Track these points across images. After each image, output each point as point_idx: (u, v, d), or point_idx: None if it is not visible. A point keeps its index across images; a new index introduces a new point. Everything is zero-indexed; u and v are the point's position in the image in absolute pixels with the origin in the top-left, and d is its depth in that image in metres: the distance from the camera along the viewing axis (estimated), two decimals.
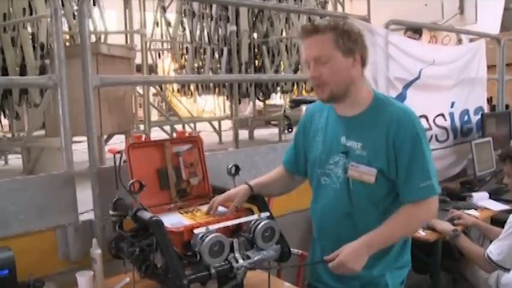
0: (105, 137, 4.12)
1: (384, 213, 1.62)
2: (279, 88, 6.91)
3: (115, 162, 1.81)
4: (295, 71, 6.47)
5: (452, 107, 3.61)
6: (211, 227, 1.55)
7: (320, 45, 1.56)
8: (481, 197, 3.14)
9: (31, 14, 3.98)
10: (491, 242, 2.52)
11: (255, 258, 1.59)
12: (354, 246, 1.56)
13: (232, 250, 1.55)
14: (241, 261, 1.55)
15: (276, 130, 6.79)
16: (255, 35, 6.74)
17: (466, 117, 3.75)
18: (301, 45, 1.65)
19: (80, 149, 2.65)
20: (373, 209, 1.63)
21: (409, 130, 1.58)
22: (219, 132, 6.73)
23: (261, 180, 1.89)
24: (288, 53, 6.51)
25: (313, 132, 1.78)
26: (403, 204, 1.61)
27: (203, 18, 6.50)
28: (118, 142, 4.14)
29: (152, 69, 6.80)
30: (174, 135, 2.15)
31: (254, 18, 6.63)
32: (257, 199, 1.81)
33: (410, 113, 1.63)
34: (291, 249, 1.73)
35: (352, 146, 1.64)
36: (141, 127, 5.45)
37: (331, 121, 1.72)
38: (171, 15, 6.62)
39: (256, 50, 6.73)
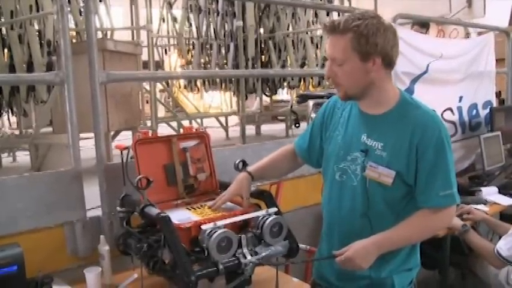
0: (112, 133, 4.13)
1: (397, 217, 1.59)
2: (285, 83, 6.89)
3: (122, 159, 1.81)
4: (302, 66, 6.44)
5: (460, 101, 3.58)
6: (219, 223, 1.55)
7: (337, 46, 1.53)
8: (489, 192, 3.11)
9: (38, 11, 3.99)
10: (500, 237, 2.50)
11: (263, 254, 1.59)
12: (364, 243, 1.55)
13: (240, 246, 1.55)
14: (249, 257, 1.55)
15: (283, 125, 6.78)
16: (262, 30, 6.72)
17: (474, 112, 3.71)
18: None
19: (87, 146, 2.65)
20: (387, 211, 1.60)
21: (434, 136, 1.54)
22: (225, 128, 6.72)
23: (261, 164, 1.86)
24: (294, 48, 6.48)
25: (334, 126, 1.73)
26: (420, 209, 1.58)
27: (209, 13, 6.49)
28: (125, 138, 4.15)
29: (159, 65, 6.81)
30: (181, 131, 2.15)
31: (260, 14, 6.61)
32: (265, 195, 1.81)
33: (436, 119, 1.60)
34: (299, 245, 1.72)
35: (372, 145, 1.60)
36: (148, 123, 5.46)
37: (354, 117, 1.68)
38: (177, 11, 6.62)
39: (262, 45, 6.70)
